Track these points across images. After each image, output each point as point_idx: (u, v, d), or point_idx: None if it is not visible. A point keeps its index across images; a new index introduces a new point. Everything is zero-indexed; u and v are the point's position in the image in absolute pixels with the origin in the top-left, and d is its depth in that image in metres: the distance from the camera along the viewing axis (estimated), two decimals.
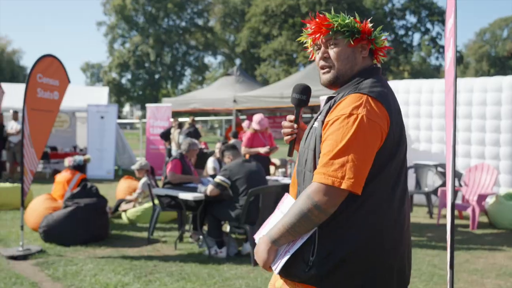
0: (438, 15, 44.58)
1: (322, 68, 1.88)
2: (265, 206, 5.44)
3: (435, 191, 8.36)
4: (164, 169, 6.53)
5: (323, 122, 1.74)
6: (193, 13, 45.06)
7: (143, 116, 39.59)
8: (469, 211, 7.32)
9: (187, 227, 6.39)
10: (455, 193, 7.34)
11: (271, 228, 1.77)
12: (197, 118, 14.60)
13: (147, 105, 14.51)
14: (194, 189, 5.94)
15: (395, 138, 1.73)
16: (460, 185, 8.13)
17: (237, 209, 5.42)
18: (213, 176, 6.26)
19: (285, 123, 2.02)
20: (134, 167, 7.64)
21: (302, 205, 1.65)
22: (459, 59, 46.45)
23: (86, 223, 6.01)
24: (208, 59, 52.41)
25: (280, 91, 10.74)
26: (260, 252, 1.77)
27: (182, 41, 45.01)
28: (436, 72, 43.77)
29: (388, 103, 1.74)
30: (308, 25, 1.93)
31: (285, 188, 7.05)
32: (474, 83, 8.71)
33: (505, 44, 51.46)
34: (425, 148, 9.07)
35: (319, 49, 1.89)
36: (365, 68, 1.87)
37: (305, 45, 2.03)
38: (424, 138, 9.14)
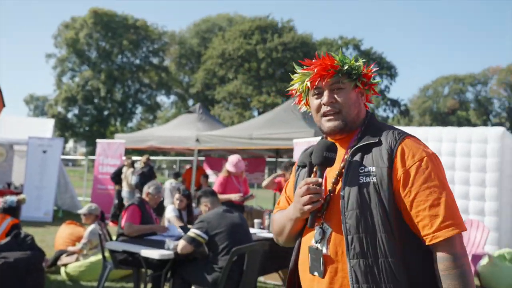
0: (387, 69, 45.92)
1: (327, 114, 1.66)
2: (249, 268, 4.33)
3: None
4: (117, 216, 5.34)
5: (389, 175, 1.52)
6: (148, 51, 43.95)
7: (89, 153, 37.52)
8: None
9: None
10: None
11: None
12: (152, 158, 13.29)
13: (98, 140, 13.11)
14: (158, 243, 4.74)
15: None
16: None
17: (215, 272, 4.26)
18: (183, 228, 5.07)
19: (312, 188, 1.58)
20: (82, 211, 6.31)
21: (465, 268, 1.45)
22: (405, 112, 47.82)
23: (16, 283, 4.63)
24: (161, 98, 50.90)
25: (249, 132, 9.78)
26: None
27: (135, 78, 43.54)
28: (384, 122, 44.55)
29: None
30: (305, 66, 1.72)
31: (273, 245, 6.03)
32: (458, 133, 8.13)
33: (446, 100, 53.67)
34: None
35: (319, 94, 1.68)
36: (368, 113, 1.75)
37: (292, 88, 1.79)
38: None
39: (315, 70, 1.65)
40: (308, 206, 1.57)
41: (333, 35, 66.43)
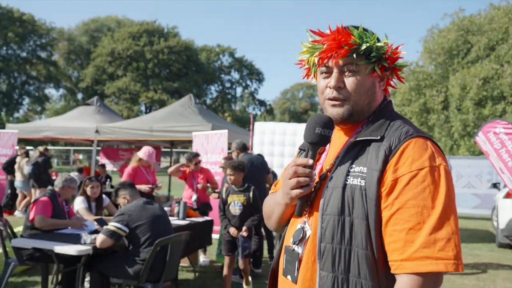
0: (256, 75, 47.03)
1: (333, 99, 1.19)
2: (172, 259, 3.77)
3: None
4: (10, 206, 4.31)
5: (379, 179, 1.06)
6: (35, 45, 38.99)
7: None
8: None
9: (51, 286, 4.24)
10: None
11: None
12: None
13: None
14: (72, 237, 3.93)
15: None
16: None
17: (137, 264, 3.62)
18: (99, 221, 4.27)
19: (300, 169, 1.14)
20: None
21: None
22: (270, 111, 49.48)
23: None
24: (49, 91, 45.69)
25: (149, 124, 8.98)
26: None
27: (22, 70, 38.43)
28: (254, 119, 45.70)
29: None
30: (317, 37, 1.22)
31: (204, 226, 5.52)
32: None
33: (300, 102, 56.88)
34: None
35: (328, 73, 1.20)
36: (383, 102, 1.25)
37: (300, 58, 1.29)
38: None
39: (326, 45, 1.18)
40: (296, 191, 1.15)
41: (212, 43, 66.16)
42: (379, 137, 1.13)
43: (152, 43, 38.03)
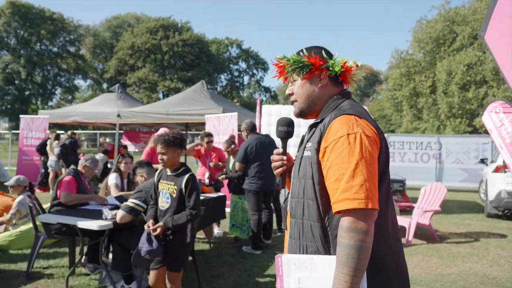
0: (262, 64, 46.27)
1: (292, 102, 1.51)
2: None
3: None
4: (44, 184, 4.08)
5: (317, 149, 1.31)
6: (65, 41, 38.46)
7: (11, 128, 32.21)
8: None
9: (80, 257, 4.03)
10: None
11: (333, 286, 1.18)
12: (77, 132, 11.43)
13: (22, 116, 10.84)
14: (94, 213, 3.70)
15: (386, 152, 1.34)
16: None
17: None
18: (118, 198, 4.03)
19: (274, 157, 1.54)
20: (9, 183, 4.88)
21: (353, 242, 1.16)
22: (274, 97, 48.87)
23: None
24: (78, 82, 45.35)
25: (165, 109, 8.68)
26: None
27: (54, 64, 38.00)
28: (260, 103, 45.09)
29: (372, 120, 1.35)
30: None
31: (217, 201, 5.33)
32: None
33: None
34: None
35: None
36: (334, 94, 1.44)
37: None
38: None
39: (277, 72, 1.53)
40: (277, 170, 1.53)
41: (221, 36, 65.15)
42: (320, 120, 1.37)
43: (167, 37, 37.36)
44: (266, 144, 5.12)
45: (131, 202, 3.38)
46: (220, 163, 6.03)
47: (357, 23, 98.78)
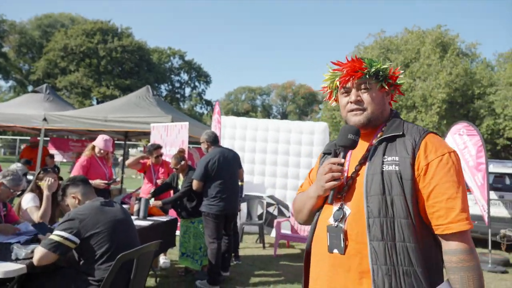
0: (204, 77, 45.31)
1: (353, 110, 1.33)
2: (138, 278, 2.57)
3: (269, 223, 6.58)
4: None
5: (412, 165, 1.20)
6: None
7: None
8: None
9: None
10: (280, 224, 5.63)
11: None
12: None
13: None
14: (2, 251, 2.58)
15: None
16: (289, 216, 6.54)
17: (91, 286, 2.39)
18: (39, 226, 2.92)
19: (334, 167, 1.26)
20: None
21: (477, 264, 1.15)
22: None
23: None
24: None
25: (103, 114, 7.45)
26: None
27: None
28: (200, 118, 43.80)
29: None
30: (336, 66, 1.38)
31: (168, 226, 4.24)
32: (292, 125, 7.44)
33: (243, 104, 56.07)
34: (258, 181, 7.25)
35: (347, 92, 1.36)
36: (392, 111, 1.40)
37: (324, 85, 1.44)
38: (258, 172, 7.33)
39: (345, 71, 1.34)
40: (330, 183, 1.26)
41: (163, 45, 62.95)
42: (401, 133, 1.28)
43: (105, 41, 34.85)
44: (230, 159, 4.32)
45: (57, 234, 2.37)
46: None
47: (297, 42, 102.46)
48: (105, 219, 2.51)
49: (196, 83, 45.71)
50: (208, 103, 46.53)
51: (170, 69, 43.73)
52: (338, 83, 1.36)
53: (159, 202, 4.44)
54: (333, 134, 25.81)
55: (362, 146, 1.33)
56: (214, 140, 4.36)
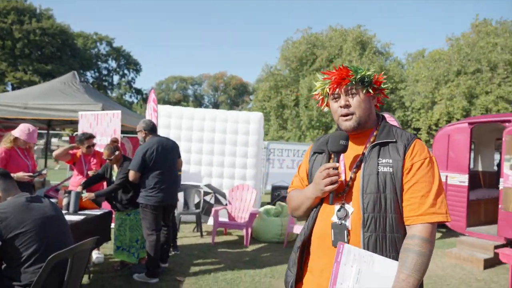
0: (134, 65, 42.93)
1: (344, 115, 1.43)
2: (72, 280, 2.31)
3: (206, 211, 6.45)
4: None
5: (403, 166, 1.34)
6: None
7: None
8: (243, 230, 5.72)
9: None
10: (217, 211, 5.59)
11: (398, 287, 1.21)
12: None
13: None
14: None
15: None
16: (226, 204, 6.49)
17: None
18: None
19: (331, 171, 1.36)
20: None
21: (428, 252, 1.26)
22: (146, 100, 45.87)
23: None
24: None
25: (22, 101, 6.63)
26: None
27: None
28: (130, 107, 41.46)
29: None
30: (325, 75, 1.50)
31: (102, 219, 3.84)
32: (228, 115, 7.36)
33: (174, 94, 54.35)
34: (194, 170, 7.04)
35: (336, 98, 1.45)
36: (378, 115, 1.51)
37: (315, 92, 1.54)
38: (194, 161, 7.11)
39: (333, 79, 1.44)
40: (329, 187, 1.36)
41: (89, 30, 58.01)
42: (394, 140, 1.40)
43: (22, 22, 31.06)
44: (169, 149, 4.11)
45: None
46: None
47: (229, 35, 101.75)
48: (32, 216, 2.22)
49: (126, 71, 43.15)
50: (138, 91, 44.32)
51: (97, 55, 40.60)
52: (328, 90, 1.46)
53: (92, 194, 4.08)
54: (265, 123, 26.33)
55: (355, 149, 1.43)
56: (152, 129, 4.11)
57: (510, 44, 17.82)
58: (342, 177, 1.41)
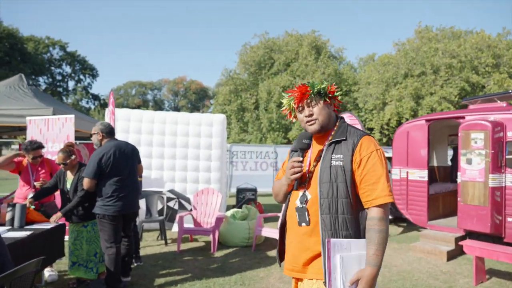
0: (90, 70, 40.76)
1: (308, 122, 1.70)
2: None
3: (170, 218, 6.00)
4: None
5: (351, 160, 1.60)
6: None
7: None
8: (210, 236, 5.36)
9: None
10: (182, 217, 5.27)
11: (370, 260, 1.49)
12: None
13: None
14: None
15: None
16: (191, 209, 6.09)
17: None
18: None
19: (295, 163, 1.66)
20: None
21: (386, 228, 1.54)
22: (104, 105, 43.69)
23: None
24: None
25: None
26: (375, 281, 1.49)
27: None
28: (87, 113, 39.22)
29: None
30: (289, 93, 1.78)
31: (54, 233, 3.30)
32: (190, 117, 6.98)
33: (133, 99, 52.36)
34: (156, 176, 6.56)
35: (301, 109, 1.73)
36: (337, 117, 1.78)
37: (283, 108, 1.83)
38: (155, 166, 6.63)
39: (296, 95, 1.70)
40: (293, 176, 1.64)
41: (40, 34, 54.27)
42: (345, 138, 1.65)
43: None
44: (128, 154, 3.68)
45: None
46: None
47: (188, 40, 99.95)
48: None
49: (81, 76, 40.78)
50: (96, 97, 42.12)
51: (50, 60, 38.02)
52: (293, 104, 1.73)
53: (59, 214, 3.60)
54: (226, 127, 25.98)
55: (318, 146, 1.70)
56: (109, 131, 3.66)
57: (450, 49, 18.91)
58: (306, 169, 1.65)
